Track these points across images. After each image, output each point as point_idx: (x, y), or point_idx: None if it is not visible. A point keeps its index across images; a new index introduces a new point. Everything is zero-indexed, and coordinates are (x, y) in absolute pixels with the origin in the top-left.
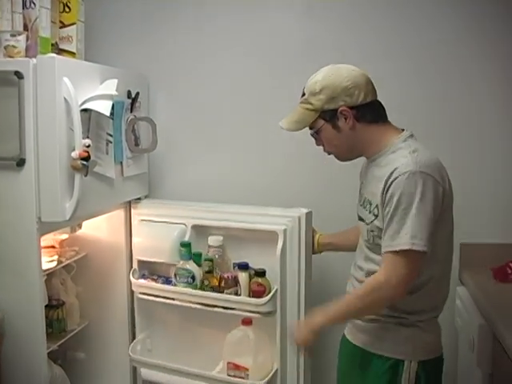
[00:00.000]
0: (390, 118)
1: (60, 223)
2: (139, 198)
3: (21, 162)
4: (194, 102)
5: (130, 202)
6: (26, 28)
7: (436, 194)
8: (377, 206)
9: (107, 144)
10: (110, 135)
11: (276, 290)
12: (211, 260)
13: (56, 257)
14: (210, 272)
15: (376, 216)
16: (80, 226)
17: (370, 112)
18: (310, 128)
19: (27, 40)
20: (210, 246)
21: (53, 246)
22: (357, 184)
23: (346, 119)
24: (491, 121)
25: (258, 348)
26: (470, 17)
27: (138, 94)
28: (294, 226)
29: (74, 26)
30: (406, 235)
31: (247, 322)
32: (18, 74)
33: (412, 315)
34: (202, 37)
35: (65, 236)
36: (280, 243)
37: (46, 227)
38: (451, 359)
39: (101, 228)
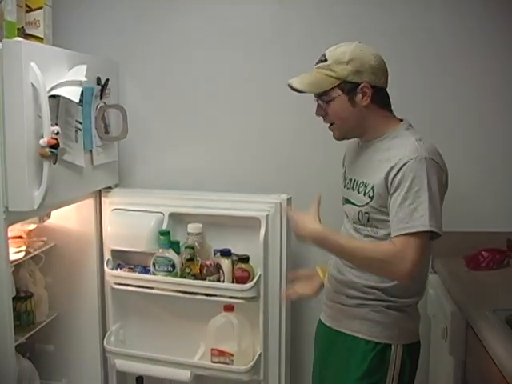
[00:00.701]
0: None
1: (28, 213)
2: (109, 187)
3: None
4: (166, 89)
5: (100, 191)
6: None
7: (441, 180)
8: (373, 187)
9: (76, 132)
10: (80, 122)
11: (260, 276)
12: (192, 247)
13: (24, 247)
14: (191, 260)
15: (372, 198)
16: (49, 216)
17: (384, 97)
18: (320, 95)
19: None
20: (189, 234)
21: (20, 237)
22: (335, 169)
23: (363, 96)
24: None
25: (241, 333)
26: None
27: (107, 80)
28: (276, 212)
29: (41, 11)
30: (423, 217)
31: (229, 308)
32: None
33: (401, 299)
34: (173, 22)
35: (33, 226)
36: (263, 229)
37: (13, 217)
38: (423, 347)
39: (70, 218)
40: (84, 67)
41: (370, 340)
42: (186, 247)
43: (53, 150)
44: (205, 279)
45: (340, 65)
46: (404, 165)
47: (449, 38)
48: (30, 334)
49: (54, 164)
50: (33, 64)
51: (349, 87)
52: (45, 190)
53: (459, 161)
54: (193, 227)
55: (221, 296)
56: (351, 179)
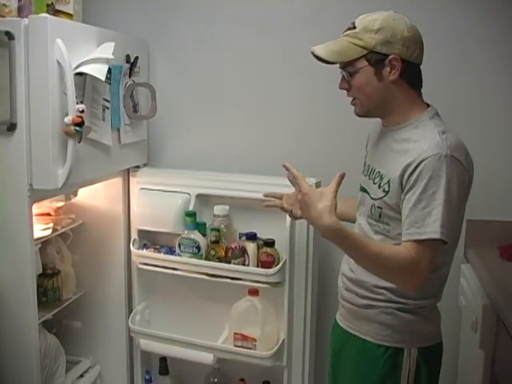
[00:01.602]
0: None
1: (52, 191)
2: (138, 166)
3: (12, 127)
4: (196, 69)
5: (128, 170)
6: None
7: (463, 182)
8: (389, 181)
9: (104, 110)
10: (107, 101)
11: (285, 261)
12: (218, 230)
13: (51, 224)
14: (216, 242)
15: (386, 192)
16: (75, 194)
17: (415, 74)
18: (345, 65)
19: (20, 0)
20: (215, 216)
21: (48, 214)
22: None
23: (391, 70)
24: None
25: (265, 318)
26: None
27: (137, 58)
28: None
29: None
30: (435, 223)
31: (254, 292)
32: (9, 35)
33: (413, 301)
34: (203, 2)
35: (61, 203)
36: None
37: (37, 195)
38: (453, 340)
39: (98, 196)
40: (112, 44)
41: (381, 344)
42: (211, 229)
43: (78, 129)
44: (229, 262)
45: (368, 33)
46: (421, 162)
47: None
48: (56, 311)
49: (79, 142)
50: (59, 40)
51: (376, 58)
52: (69, 168)
53: (498, 148)
54: (219, 209)
55: (245, 280)
56: (369, 166)
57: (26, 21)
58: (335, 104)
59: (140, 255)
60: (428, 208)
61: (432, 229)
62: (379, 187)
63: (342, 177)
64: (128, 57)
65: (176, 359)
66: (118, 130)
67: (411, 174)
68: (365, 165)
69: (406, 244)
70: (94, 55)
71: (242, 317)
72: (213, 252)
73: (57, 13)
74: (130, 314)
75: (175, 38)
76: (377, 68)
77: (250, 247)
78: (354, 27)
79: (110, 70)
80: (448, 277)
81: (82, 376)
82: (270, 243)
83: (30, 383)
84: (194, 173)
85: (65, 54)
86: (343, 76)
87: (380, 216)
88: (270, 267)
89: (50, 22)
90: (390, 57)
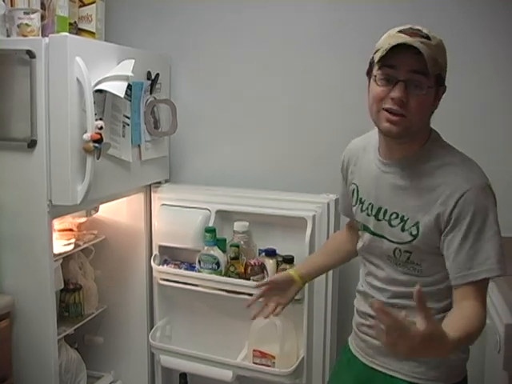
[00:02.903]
0: None
1: (71, 207)
2: (159, 182)
3: (32, 144)
4: (218, 85)
5: (150, 186)
6: (43, 7)
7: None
8: (417, 224)
9: (124, 126)
10: (127, 117)
11: None
12: (237, 246)
13: (73, 240)
14: (236, 258)
15: (415, 236)
16: (96, 210)
17: None
18: (420, 77)
19: (43, 19)
20: (235, 232)
21: (70, 229)
22: None
23: (438, 100)
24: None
25: (285, 335)
26: None
27: (157, 75)
28: (323, 213)
29: (94, 5)
30: (489, 260)
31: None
32: (30, 53)
33: None
34: (226, 18)
35: (83, 219)
36: (309, 230)
37: (57, 210)
38: (478, 360)
39: (120, 212)
40: (131, 62)
41: (413, 382)
42: (231, 245)
43: (96, 145)
44: (249, 279)
45: (442, 52)
46: (460, 198)
47: None
48: (77, 326)
49: (98, 159)
50: (78, 58)
51: (440, 82)
52: (88, 184)
53: None
54: (239, 225)
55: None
56: (373, 205)
57: (46, 40)
58: (363, 120)
59: (160, 271)
60: (477, 245)
61: (486, 267)
62: (403, 230)
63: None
64: (149, 73)
65: (196, 375)
66: (139, 146)
67: (451, 212)
68: (361, 202)
69: (464, 291)
70: (114, 72)
71: (261, 334)
72: (232, 268)
73: (79, 31)
74: (151, 330)
75: (197, 54)
76: (436, 91)
77: (269, 263)
78: (429, 38)
79: (130, 87)
80: None
81: None
82: (289, 260)
83: None
84: (214, 189)
85: (84, 72)
86: (403, 86)
87: (408, 259)
88: None
89: (70, 40)
90: (443, 87)
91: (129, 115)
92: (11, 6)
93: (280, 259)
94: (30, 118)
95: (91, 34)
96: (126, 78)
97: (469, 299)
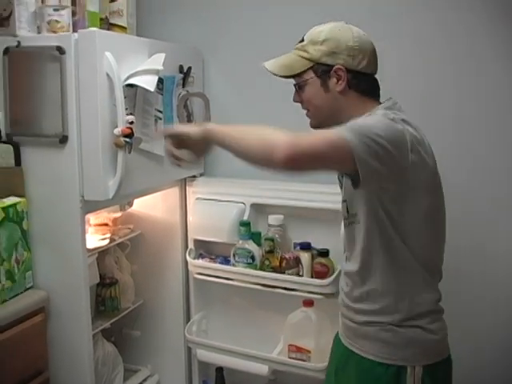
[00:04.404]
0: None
1: (103, 202)
2: (194, 176)
3: (63, 139)
4: (251, 78)
5: (185, 180)
6: (73, 3)
7: (393, 132)
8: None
9: (156, 120)
10: (159, 111)
11: (340, 271)
12: (272, 239)
13: (109, 235)
14: (270, 252)
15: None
16: (130, 205)
17: (366, 82)
18: (294, 78)
19: (74, 15)
20: (270, 225)
21: (106, 224)
22: None
23: (338, 80)
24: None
25: (320, 330)
26: None
27: (190, 68)
28: None
29: (125, 0)
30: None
31: (309, 303)
32: (60, 50)
33: (407, 313)
34: (260, 10)
35: (118, 214)
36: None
37: (89, 206)
38: None
39: (156, 206)
40: (162, 56)
41: (382, 362)
42: (265, 239)
43: (127, 140)
44: (284, 272)
45: (314, 45)
46: None
47: None
48: (114, 320)
49: (129, 153)
50: (107, 53)
51: (322, 70)
52: (119, 179)
53: None
54: (273, 219)
55: (299, 291)
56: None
57: (75, 35)
58: None
59: (195, 265)
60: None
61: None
62: (341, 188)
63: None
64: (181, 67)
65: (232, 370)
66: None
67: None
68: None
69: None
70: (144, 67)
71: (297, 328)
72: (267, 262)
73: (111, 26)
74: (187, 324)
75: (230, 47)
76: (323, 79)
77: (304, 257)
78: (303, 40)
79: (162, 81)
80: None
81: None
82: (324, 253)
83: None
84: (248, 182)
85: (114, 67)
86: (296, 89)
87: (348, 210)
88: (324, 278)
89: (99, 35)
90: (335, 67)
91: (161, 109)
92: (41, 3)
93: (315, 253)
94: (61, 114)
95: (123, 28)
96: (156, 71)
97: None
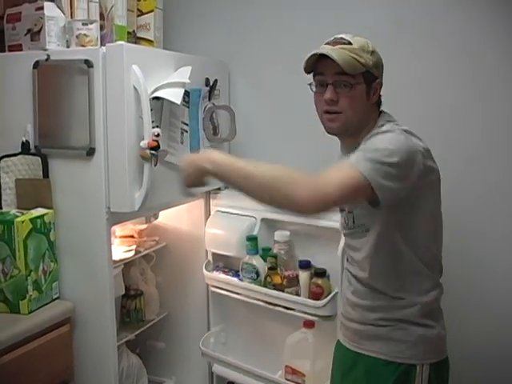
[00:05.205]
0: None
1: (129, 214)
2: (219, 189)
3: (91, 152)
4: (277, 90)
5: (209, 193)
6: (102, 17)
7: (411, 156)
8: None
9: (182, 133)
10: (186, 124)
11: (336, 293)
12: (275, 256)
13: (134, 246)
14: (273, 269)
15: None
16: (156, 217)
17: (380, 101)
18: (343, 78)
19: (102, 29)
20: (275, 242)
21: (132, 236)
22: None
23: (374, 93)
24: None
25: (318, 353)
26: None
27: (216, 81)
28: None
29: (152, 14)
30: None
31: (309, 324)
32: (88, 63)
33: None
34: (286, 23)
35: (144, 226)
36: (342, 242)
37: (115, 217)
38: None
39: (182, 218)
40: (188, 68)
41: (392, 361)
42: (269, 255)
43: (153, 152)
44: (283, 290)
45: (366, 53)
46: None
47: None
48: (138, 332)
49: (155, 166)
50: (134, 66)
51: (369, 78)
52: (145, 191)
53: None
54: (279, 235)
55: (298, 311)
56: None
57: (103, 49)
58: (424, 123)
59: (209, 277)
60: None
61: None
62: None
63: None
64: (207, 80)
65: None
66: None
67: None
68: None
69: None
70: (171, 79)
71: (295, 349)
72: (269, 279)
73: (138, 40)
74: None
75: (256, 60)
76: (368, 87)
77: (302, 276)
78: (350, 43)
79: (188, 94)
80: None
81: None
82: (320, 273)
83: None
84: None
85: (141, 80)
86: (332, 87)
87: (354, 221)
88: (319, 299)
89: (126, 49)
90: (378, 80)
91: (187, 122)
92: (71, 17)
93: (313, 272)
94: (89, 127)
95: (149, 42)
96: (182, 84)
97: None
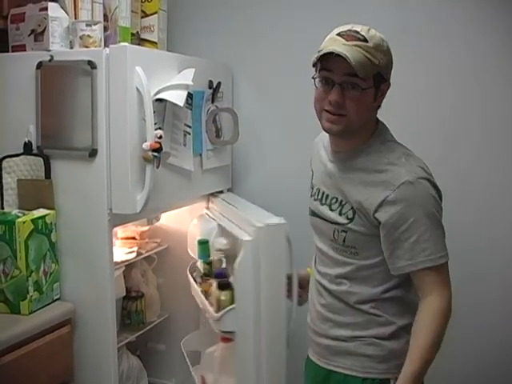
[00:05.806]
0: None
1: (131, 215)
2: (222, 191)
3: (93, 153)
4: (280, 93)
5: (212, 195)
6: (106, 18)
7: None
8: (352, 208)
9: (185, 135)
10: (189, 126)
11: (232, 309)
12: (209, 263)
13: (135, 248)
14: (205, 275)
15: (351, 219)
16: (158, 219)
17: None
18: (355, 79)
19: (106, 30)
20: (215, 249)
21: (133, 238)
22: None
23: (382, 95)
24: None
25: (222, 369)
26: None
27: (219, 84)
28: (259, 238)
29: (156, 16)
30: (426, 251)
31: (224, 339)
32: (91, 64)
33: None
34: (289, 25)
35: (145, 228)
36: (241, 254)
37: (117, 219)
38: None
39: (183, 220)
40: (192, 71)
41: (366, 377)
42: (204, 262)
43: (156, 154)
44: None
45: (380, 52)
46: (392, 193)
47: None
48: (139, 334)
49: (157, 168)
50: (138, 68)
51: (379, 80)
52: (147, 193)
53: None
54: (217, 242)
55: None
56: (319, 190)
57: (107, 50)
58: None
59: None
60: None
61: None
62: (340, 214)
63: None
64: (211, 82)
65: None
66: (200, 155)
67: (382, 202)
68: (312, 187)
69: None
70: (174, 82)
71: (207, 361)
72: (201, 287)
73: (142, 41)
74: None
75: (259, 62)
76: (376, 89)
77: (213, 287)
78: (365, 40)
79: (191, 96)
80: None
81: None
82: (223, 285)
83: None
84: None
85: (144, 82)
86: (339, 88)
87: (344, 240)
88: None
89: (130, 50)
90: (386, 83)
91: (190, 124)
92: (74, 18)
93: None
94: (91, 128)
95: (153, 43)
96: (185, 86)
97: (424, 289)
